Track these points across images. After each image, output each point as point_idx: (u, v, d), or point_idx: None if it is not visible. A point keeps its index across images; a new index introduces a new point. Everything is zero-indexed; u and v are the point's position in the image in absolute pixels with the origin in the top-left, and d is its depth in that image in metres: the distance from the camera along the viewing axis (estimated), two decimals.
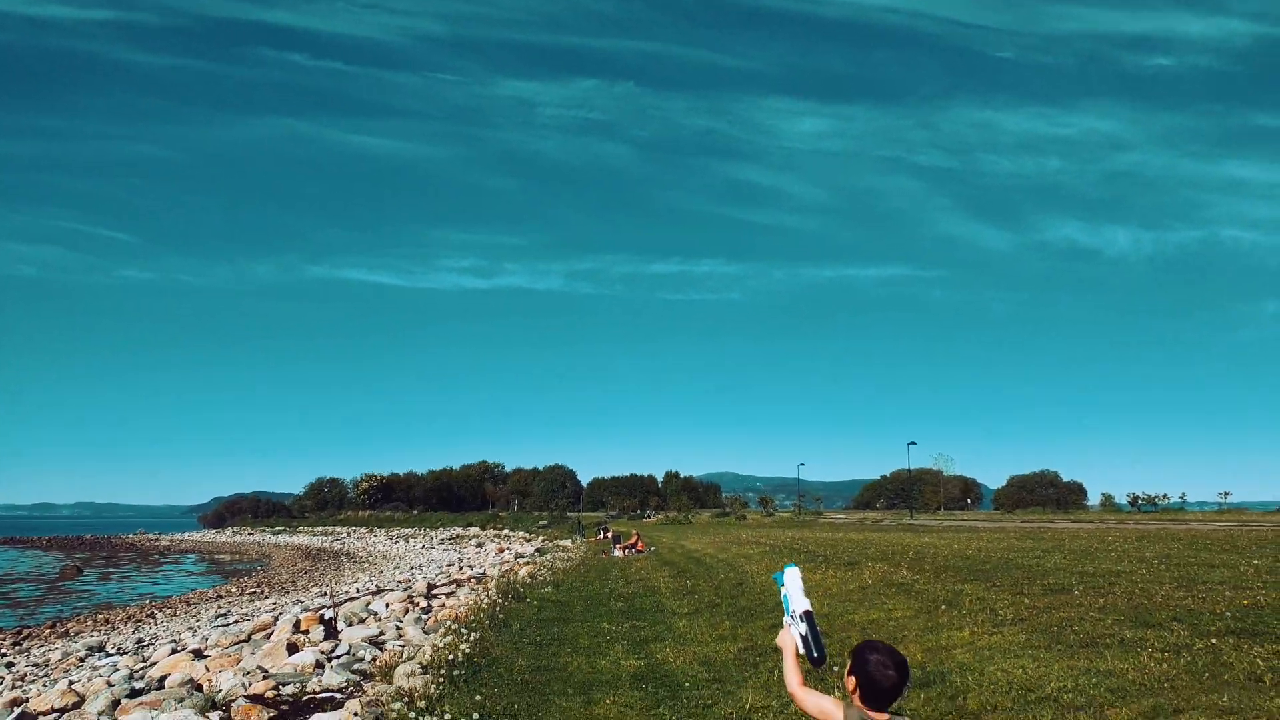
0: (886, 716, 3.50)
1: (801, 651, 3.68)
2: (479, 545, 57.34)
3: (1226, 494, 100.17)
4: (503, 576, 22.57)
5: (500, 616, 14.15)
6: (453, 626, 12.82)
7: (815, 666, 3.68)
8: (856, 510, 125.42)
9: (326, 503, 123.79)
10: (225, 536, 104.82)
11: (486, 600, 16.18)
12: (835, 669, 7.86)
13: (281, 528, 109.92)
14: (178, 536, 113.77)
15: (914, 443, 65.76)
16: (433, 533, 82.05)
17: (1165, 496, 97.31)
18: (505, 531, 74.63)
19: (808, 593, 3.91)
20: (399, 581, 29.94)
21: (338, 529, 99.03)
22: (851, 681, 3.55)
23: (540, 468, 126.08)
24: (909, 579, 14.56)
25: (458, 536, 72.19)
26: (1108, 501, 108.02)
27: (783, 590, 3.86)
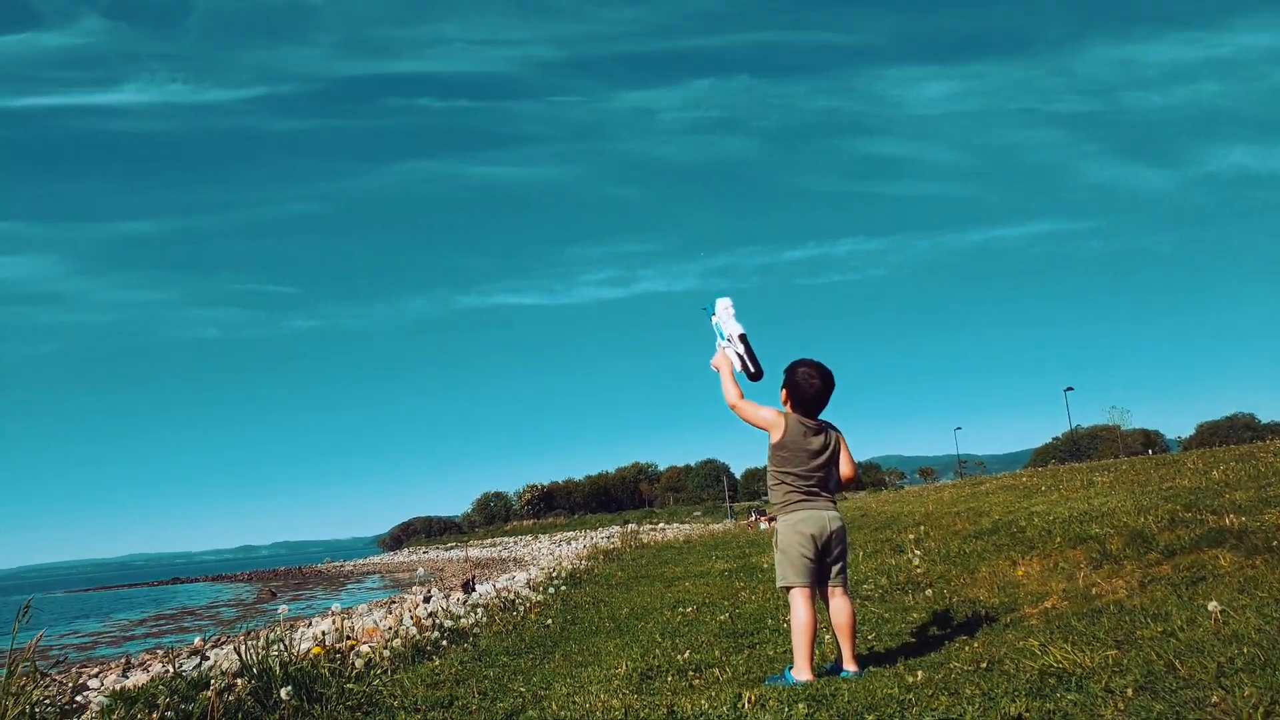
0: (816, 422, 3.75)
1: (738, 369, 3.90)
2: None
3: None
4: (632, 537, 23.22)
5: (615, 555, 14.70)
6: (565, 564, 13.46)
7: (753, 381, 3.89)
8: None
9: (493, 516, 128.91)
10: (402, 556, 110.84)
11: (608, 546, 16.81)
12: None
13: (453, 544, 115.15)
14: (360, 561, 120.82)
15: (1071, 388, 61.82)
16: (592, 533, 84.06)
17: None
18: (660, 525, 75.70)
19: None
20: None
21: (505, 539, 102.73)
22: (784, 394, 3.84)
23: (693, 464, 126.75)
24: (1025, 483, 14.14)
25: (614, 534, 73.89)
26: None
27: (714, 320, 4.02)
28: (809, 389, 3.75)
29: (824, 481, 3.75)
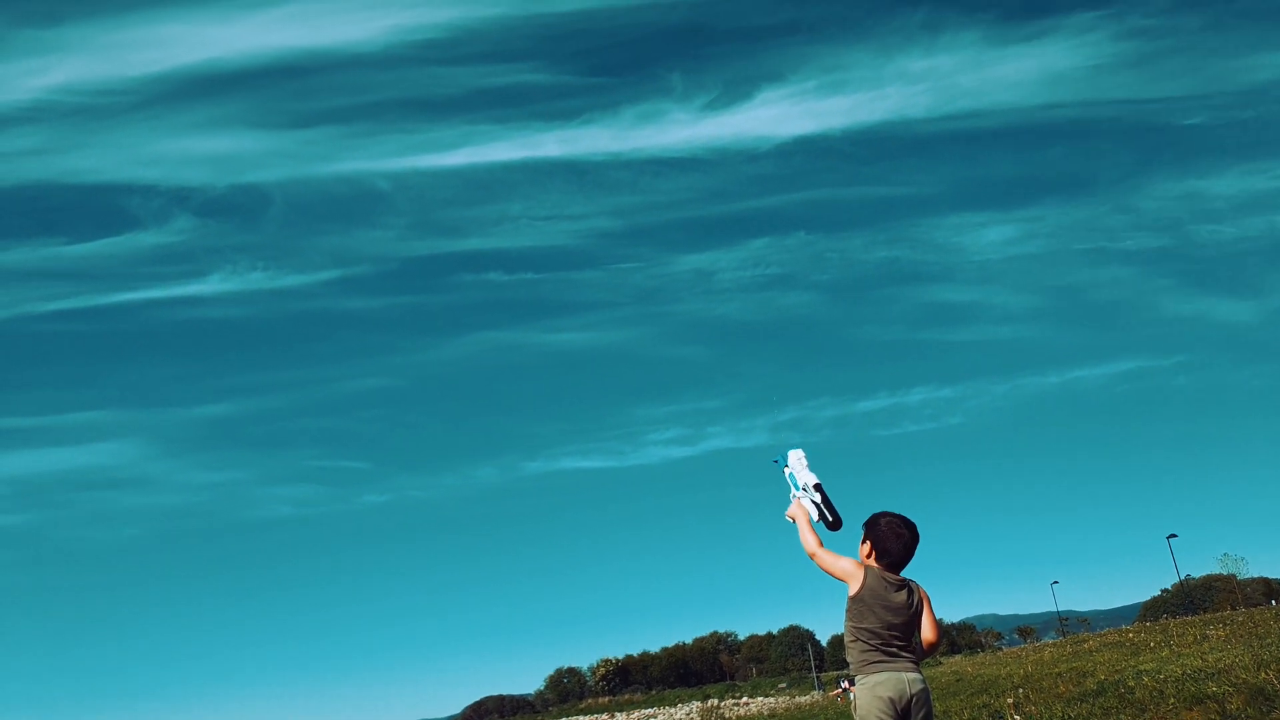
0: (899, 578, 3.57)
1: (815, 519, 3.78)
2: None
3: None
4: (713, 712, 22.07)
5: None
6: None
7: (832, 530, 3.77)
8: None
9: (568, 694, 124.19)
10: None
11: None
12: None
13: None
14: None
15: (1174, 535, 58.39)
16: (671, 710, 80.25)
17: None
18: (744, 699, 71.94)
19: None
20: None
21: (580, 718, 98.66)
22: (866, 547, 3.67)
23: (775, 631, 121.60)
24: (1133, 639, 13.19)
25: (694, 711, 70.27)
26: None
27: (786, 470, 3.98)
28: (895, 540, 3.57)
29: (904, 641, 3.51)
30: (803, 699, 44.10)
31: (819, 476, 3.90)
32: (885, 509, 3.71)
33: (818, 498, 3.81)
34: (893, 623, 3.48)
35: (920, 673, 3.50)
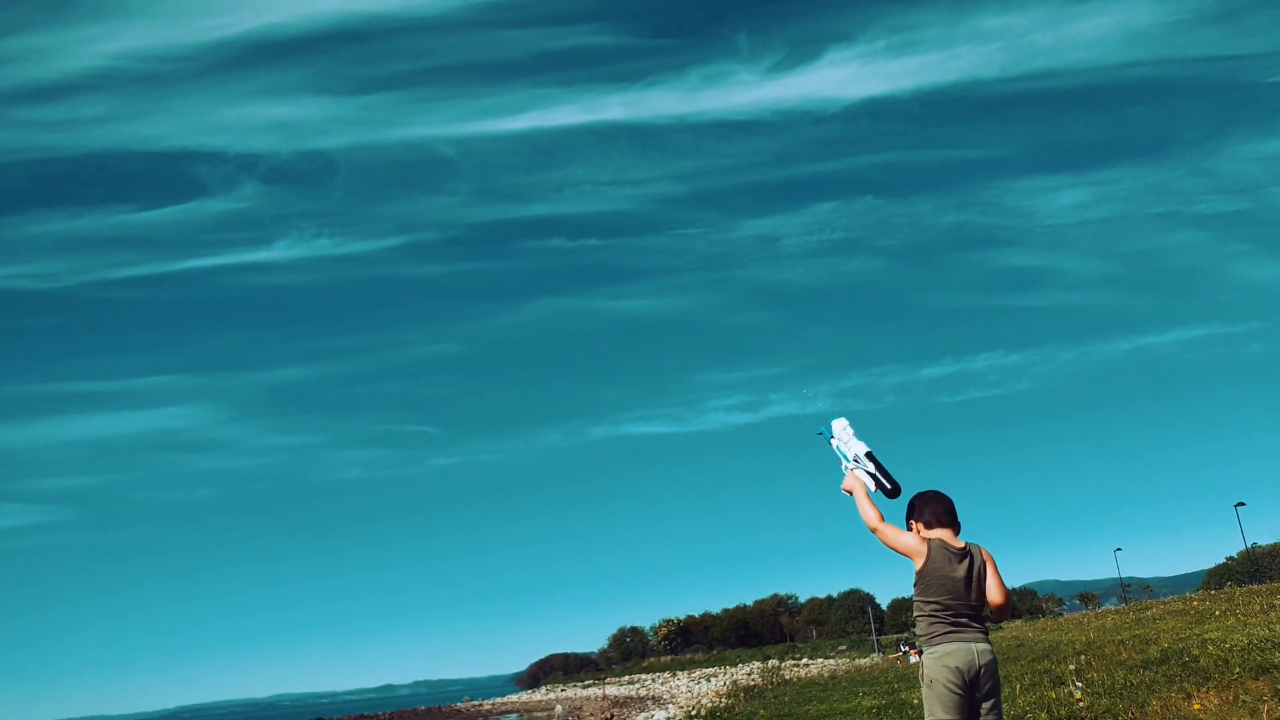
0: (962, 547, 3.68)
1: (872, 489, 3.79)
2: None
3: None
4: (773, 673, 22.41)
5: (757, 692, 14.25)
6: (705, 702, 13.15)
7: (891, 498, 3.80)
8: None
9: (630, 652, 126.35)
10: (540, 695, 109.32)
11: (748, 683, 16.30)
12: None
13: (590, 681, 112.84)
14: (499, 700, 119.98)
15: (1242, 503, 56.61)
16: (732, 669, 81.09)
17: None
18: (804, 660, 72.42)
19: None
20: None
21: (642, 676, 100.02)
22: (918, 525, 3.76)
23: (835, 595, 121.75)
24: (1197, 607, 13.11)
25: (755, 670, 70.96)
26: None
27: (833, 442, 3.91)
28: (937, 502, 3.73)
29: (972, 611, 3.61)
30: (863, 661, 44.32)
31: (874, 444, 3.84)
32: (933, 486, 3.82)
33: (871, 467, 3.76)
34: (959, 594, 3.58)
35: (989, 643, 3.60)
